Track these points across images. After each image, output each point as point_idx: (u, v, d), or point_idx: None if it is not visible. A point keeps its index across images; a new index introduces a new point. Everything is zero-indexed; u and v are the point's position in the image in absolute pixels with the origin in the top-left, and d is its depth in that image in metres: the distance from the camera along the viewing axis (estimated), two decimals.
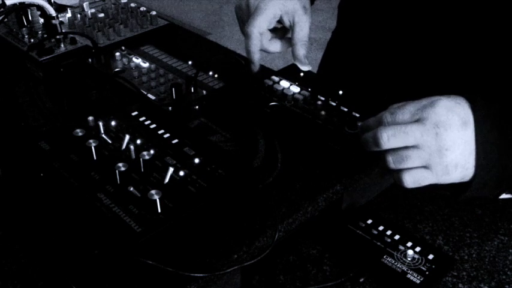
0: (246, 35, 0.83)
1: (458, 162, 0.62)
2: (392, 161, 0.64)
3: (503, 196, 0.70)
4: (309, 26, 0.86)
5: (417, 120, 0.62)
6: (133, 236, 0.60)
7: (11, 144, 0.78)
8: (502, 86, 0.84)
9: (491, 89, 0.84)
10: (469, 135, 0.62)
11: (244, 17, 0.88)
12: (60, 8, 1.13)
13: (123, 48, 0.99)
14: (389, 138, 0.62)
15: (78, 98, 0.91)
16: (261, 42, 0.85)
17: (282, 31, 0.90)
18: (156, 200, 0.63)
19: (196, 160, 0.70)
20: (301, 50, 0.86)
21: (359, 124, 0.77)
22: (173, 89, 0.84)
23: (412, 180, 0.64)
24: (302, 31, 0.86)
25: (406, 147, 0.62)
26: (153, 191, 0.64)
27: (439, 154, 0.61)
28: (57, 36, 0.97)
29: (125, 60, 0.97)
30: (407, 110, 0.63)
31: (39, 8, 0.99)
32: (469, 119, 0.62)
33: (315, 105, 0.83)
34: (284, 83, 0.87)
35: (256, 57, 0.85)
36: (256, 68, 0.86)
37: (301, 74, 0.88)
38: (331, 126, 0.79)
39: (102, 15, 1.09)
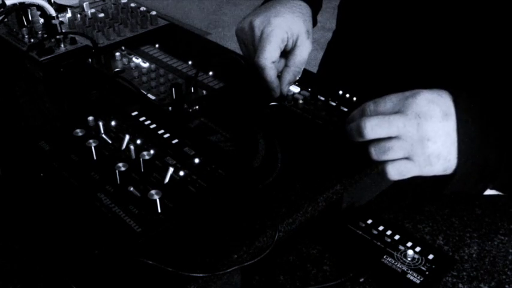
0: (259, 67, 0.81)
1: (441, 153, 0.62)
2: (374, 153, 0.64)
3: (488, 192, 0.70)
4: (308, 53, 0.85)
5: (399, 111, 0.63)
6: (133, 236, 0.60)
7: (11, 144, 0.78)
8: (502, 87, 0.84)
9: (491, 90, 0.84)
10: (450, 126, 0.62)
11: (248, 40, 0.86)
12: (60, 8, 1.13)
13: (123, 48, 0.99)
14: (372, 128, 0.63)
15: (78, 98, 0.91)
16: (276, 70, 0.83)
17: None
18: (156, 200, 0.63)
19: (196, 160, 0.70)
20: (291, 76, 0.85)
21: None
22: (173, 89, 0.84)
23: (395, 171, 0.64)
24: (301, 56, 0.84)
25: (388, 139, 0.63)
26: (153, 191, 0.64)
27: (421, 144, 0.62)
28: (57, 36, 0.97)
29: (124, 60, 0.97)
30: (389, 100, 0.64)
31: (39, 8, 0.99)
32: (451, 111, 0.62)
33: (315, 105, 0.83)
34: None
35: (276, 84, 0.83)
36: (278, 93, 0.84)
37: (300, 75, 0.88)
38: (331, 126, 0.79)
39: (102, 15, 1.09)
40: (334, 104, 0.83)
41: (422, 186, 0.81)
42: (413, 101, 0.63)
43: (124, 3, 1.16)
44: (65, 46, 0.98)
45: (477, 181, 0.65)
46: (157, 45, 1.03)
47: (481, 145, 0.63)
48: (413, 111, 0.62)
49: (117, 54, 0.98)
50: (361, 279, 0.69)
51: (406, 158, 0.64)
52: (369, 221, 0.77)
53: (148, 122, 0.79)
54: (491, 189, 0.68)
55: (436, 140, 0.62)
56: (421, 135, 0.62)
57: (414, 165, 0.63)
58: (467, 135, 0.62)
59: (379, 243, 0.74)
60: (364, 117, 0.64)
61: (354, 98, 0.83)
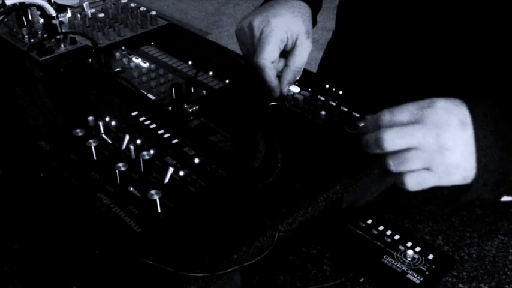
0: (259, 67, 0.81)
1: (459, 163, 0.62)
2: (393, 164, 0.63)
3: (505, 199, 0.70)
4: (308, 53, 0.85)
5: (416, 121, 0.62)
6: (133, 236, 0.60)
7: (11, 144, 0.78)
8: (502, 88, 0.84)
9: (491, 90, 0.84)
10: (468, 136, 0.62)
11: (248, 40, 0.86)
12: (60, 8, 1.13)
13: (123, 48, 0.99)
14: (393, 140, 0.61)
15: (78, 98, 0.91)
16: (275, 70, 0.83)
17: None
18: (156, 200, 0.63)
19: (196, 160, 0.70)
20: (291, 76, 0.85)
21: (360, 125, 0.77)
22: (173, 89, 0.84)
23: (414, 182, 0.63)
24: (301, 56, 0.84)
25: (406, 149, 0.62)
26: (153, 191, 0.64)
27: (440, 154, 0.61)
28: (57, 36, 0.97)
29: (124, 60, 0.97)
30: (406, 110, 0.63)
31: (39, 8, 0.99)
32: (467, 121, 0.62)
33: (315, 105, 0.83)
34: None
35: (275, 83, 0.83)
36: (277, 93, 0.84)
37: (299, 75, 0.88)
38: (331, 126, 0.79)
39: (102, 15, 1.09)
40: (334, 104, 0.83)
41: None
42: (431, 111, 0.61)
43: (124, 3, 1.16)
44: (65, 46, 0.98)
45: (495, 189, 0.64)
46: (157, 45, 1.03)
47: (499, 153, 0.62)
48: (432, 121, 0.61)
49: (117, 54, 0.98)
50: (361, 279, 0.69)
51: (425, 169, 0.62)
52: (369, 221, 0.77)
53: (148, 122, 0.79)
54: (507, 196, 0.67)
55: (454, 149, 0.61)
56: (439, 145, 0.61)
57: (433, 175, 0.62)
58: (485, 144, 0.62)
59: (379, 243, 0.74)
60: (382, 129, 0.62)
61: (353, 98, 0.83)
